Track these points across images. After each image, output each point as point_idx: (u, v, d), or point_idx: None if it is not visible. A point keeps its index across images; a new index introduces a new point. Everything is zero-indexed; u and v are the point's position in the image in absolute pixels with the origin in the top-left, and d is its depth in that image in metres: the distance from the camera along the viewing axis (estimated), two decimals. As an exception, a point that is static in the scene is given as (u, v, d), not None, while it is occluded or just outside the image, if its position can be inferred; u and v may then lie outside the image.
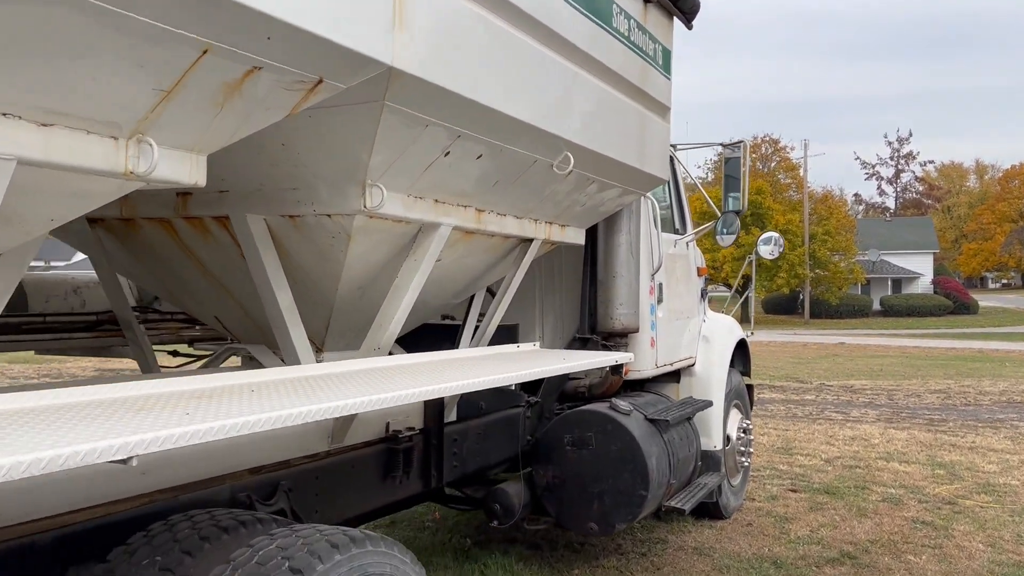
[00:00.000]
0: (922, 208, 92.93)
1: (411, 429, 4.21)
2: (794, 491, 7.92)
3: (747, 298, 9.55)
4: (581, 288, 5.60)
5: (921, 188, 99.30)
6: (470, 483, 5.21)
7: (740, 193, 6.58)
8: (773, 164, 63.62)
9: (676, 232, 6.58)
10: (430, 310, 4.68)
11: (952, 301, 49.62)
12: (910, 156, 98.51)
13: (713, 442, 6.58)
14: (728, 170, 6.82)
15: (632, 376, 5.76)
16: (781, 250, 7.80)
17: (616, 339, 5.54)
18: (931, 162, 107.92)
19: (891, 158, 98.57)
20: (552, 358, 4.50)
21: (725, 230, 6.91)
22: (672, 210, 6.57)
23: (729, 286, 51.27)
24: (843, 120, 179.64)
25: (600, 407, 5.33)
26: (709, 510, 6.73)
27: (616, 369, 5.49)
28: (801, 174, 52.91)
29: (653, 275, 5.82)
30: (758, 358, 24.53)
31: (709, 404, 6.41)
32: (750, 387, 7.84)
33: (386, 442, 4.06)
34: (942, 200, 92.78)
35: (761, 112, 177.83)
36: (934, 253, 60.81)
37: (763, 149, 65.43)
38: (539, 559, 5.92)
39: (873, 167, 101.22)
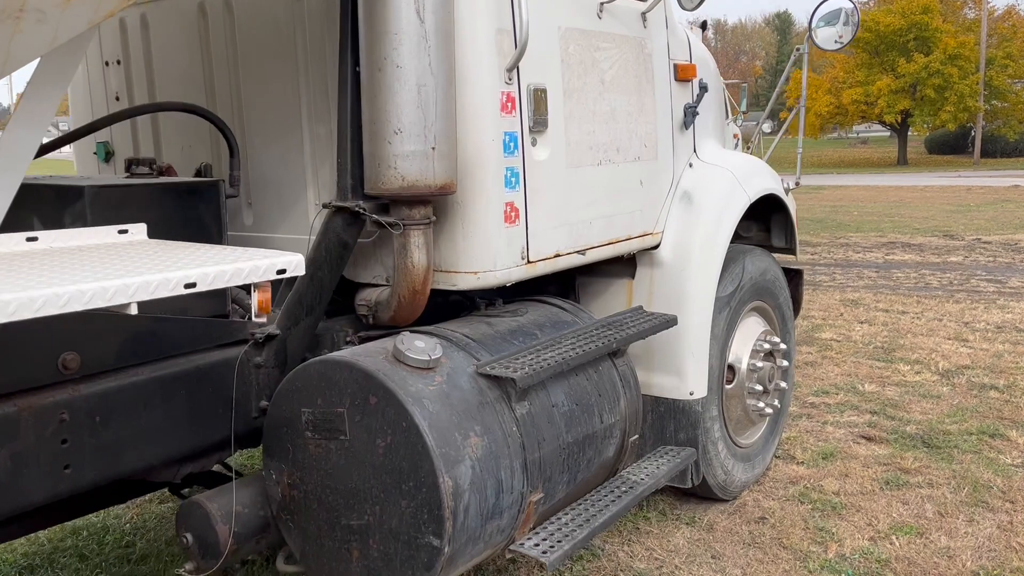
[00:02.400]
0: None
1: None
2: (868, 439, 4.87)
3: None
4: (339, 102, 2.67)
5: None
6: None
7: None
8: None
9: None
10: None
11: None
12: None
13: (685, 385, 3.64)
14: None
15: (468, 284, 2.86)
16: (855, 31, 4.41)
17: (405, 208, 2.62)
18: None
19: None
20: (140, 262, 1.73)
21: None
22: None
23: (887, 125, 44.33)
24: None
25: (362, 355, 2.56)
26: (696, 488, 3.87)
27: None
28: (980, -14, 44.49)
29: (510, 70, 2.78)
30: (905, 207, 19.91)
31: (670, 321, 3.42)
32: (796, 273, 4.71)
33: None
34: None
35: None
36: None
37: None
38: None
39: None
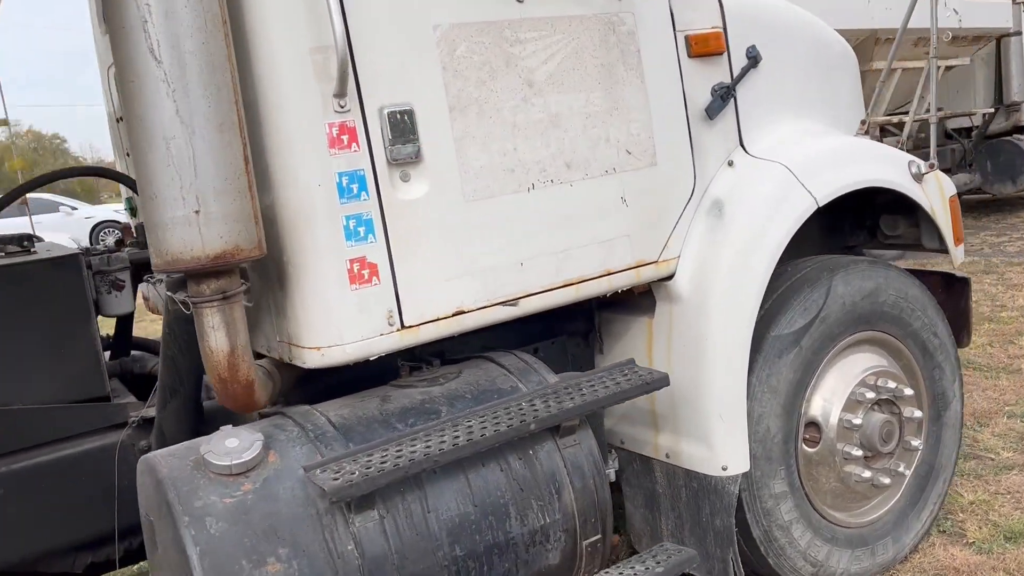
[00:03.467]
0: None
1: None
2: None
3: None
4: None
5: None
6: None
7: None
8: None
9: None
10: None
11: None
12: None
13: (716, 457, 2.78)
14: None
15: (315, 361, 2.34)
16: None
17: (193, 283, 2.17)
18: None
19: None
20: None
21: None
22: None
23: None
24: None
25: (175, 454, 2.19)
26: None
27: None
28: None
29: (339, 96, 2.21)
30: None
31: (649, 383, 2.58)
32: (958, 283, 3.48)
33: None
34: None
35: None
36: None
37: None
38: None
39: None
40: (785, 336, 2.92)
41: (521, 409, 2.40)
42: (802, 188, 2.92)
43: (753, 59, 3.02)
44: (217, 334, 2.16)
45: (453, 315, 2.43)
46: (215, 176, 2.04)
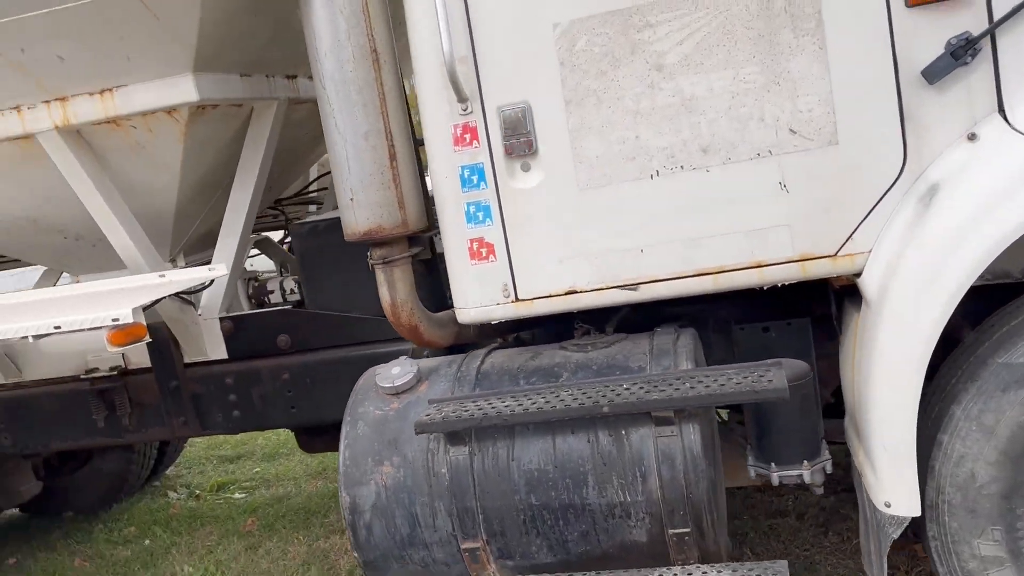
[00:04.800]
0: None
1: (113, 369, 3.86)
2: None
3: None
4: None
5: None
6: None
7: None
8: None
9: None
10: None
11: None
12: None
13: (881, 491, 2.41)
14: None
15: (461, 318, 2.82)
16: None
17: (369, 249, 2.86)
18: None
19: None
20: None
21: None
22: None
23: None
24: None
25: (378, 371, 3.01)
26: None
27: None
28: None
29: (462, 101, 2.58)
30: None
31: (758, 391, 2.36)
32: None
33: (76, 382, 3.91)
34: None
35: None
36: None
37: None
38: None
39: None
40: (1018, 367, 2.26)
41: (615, 391, 2.52)
42: (1055, 174, 2.14)
43: (1036, -5, 2.25)
44: (383, 288, 2.85)
45: (566, 293, 2.65)
46: (361, 173, 2.69)
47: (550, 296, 2.68)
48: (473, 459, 2.66)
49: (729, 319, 3.08)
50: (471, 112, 2.61)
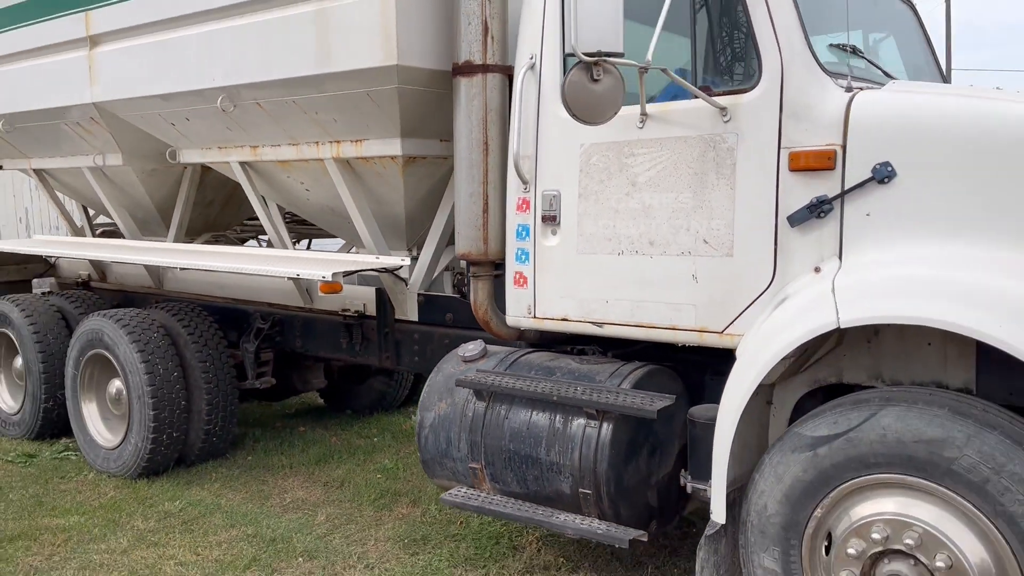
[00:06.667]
0: None
1: (358, 311, 5.97)
2: None
3: None
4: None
5: None
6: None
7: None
8: None
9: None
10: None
11: None
12: None
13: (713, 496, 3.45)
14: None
15: (510, 323, 4.24)
16: None
17: (476, 268, 4.37)
18: None
19: None
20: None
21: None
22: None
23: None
24: None
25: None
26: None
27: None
28: None
29: (525, 182, 4.01)
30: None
31: (628, 407, 3.50)
32: None
33: (336, 315, 6.08)
34: None
35: None
36: None
37: None
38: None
39: None
40: (802, 436, 3.15)
41: (567, 389, 3.80)
42: (832, 306, 3.01)
43: (883, 174, 3.09)
44: (471, 293, 4.39)
45: (561, 319, 3.97)
46: (463, 214, 4.25)
47: (552, 319, 4.02)
48: (486, 411, 4.10)
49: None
50: (528, 191, 4.04)
